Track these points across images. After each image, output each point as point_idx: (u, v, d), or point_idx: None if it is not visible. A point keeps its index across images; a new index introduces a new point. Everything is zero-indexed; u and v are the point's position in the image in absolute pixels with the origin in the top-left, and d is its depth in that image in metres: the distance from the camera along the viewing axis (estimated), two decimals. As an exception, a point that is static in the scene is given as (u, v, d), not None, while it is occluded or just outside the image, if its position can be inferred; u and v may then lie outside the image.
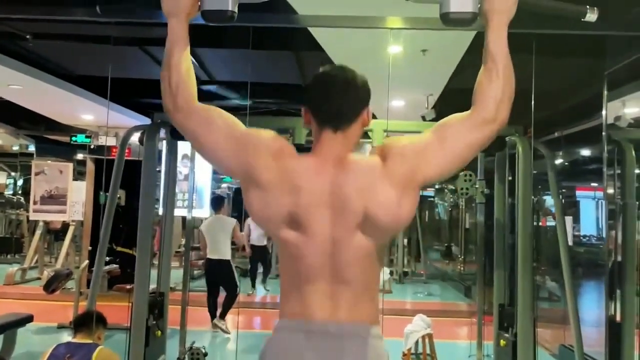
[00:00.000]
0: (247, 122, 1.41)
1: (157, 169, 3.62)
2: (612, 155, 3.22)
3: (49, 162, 8.08)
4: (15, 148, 11.35)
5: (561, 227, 3.45)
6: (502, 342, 3.45)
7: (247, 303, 6.82)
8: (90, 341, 2.83)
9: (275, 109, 6.15)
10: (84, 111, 6.72)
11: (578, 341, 3.32)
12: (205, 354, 4.11)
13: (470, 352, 4.40)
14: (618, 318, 3.07)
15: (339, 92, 1.34)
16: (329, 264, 1.28)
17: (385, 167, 1.28)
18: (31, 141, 9.53)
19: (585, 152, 6.76)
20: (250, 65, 4.46)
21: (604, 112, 3.27)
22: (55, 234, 9.69)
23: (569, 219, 4.91)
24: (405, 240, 10.48)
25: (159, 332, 3.54)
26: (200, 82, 5.61)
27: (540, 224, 7.13)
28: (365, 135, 3.47)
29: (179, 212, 5.19)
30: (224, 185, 12.81)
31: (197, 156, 4.66)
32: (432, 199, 13.42)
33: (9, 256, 11.01)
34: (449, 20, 1.31)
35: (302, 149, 2.14)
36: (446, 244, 11.73)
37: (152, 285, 3.64)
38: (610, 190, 3.31)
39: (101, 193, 4.50)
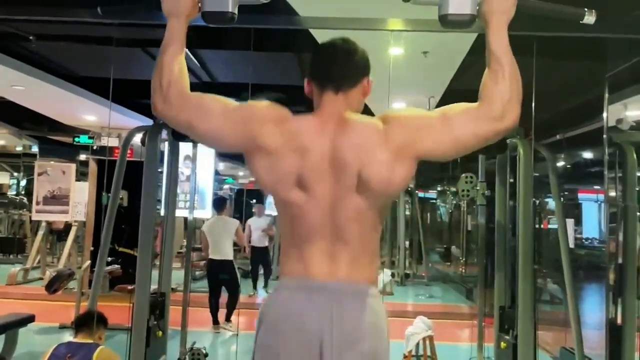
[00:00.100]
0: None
1: (159, 170, 3.63)
2: (613, 158, 3.21)
3: (52, 162, 8.10)
4: (19, 148, 11.38)
5: (562, 229, 3.45)
6: (503, 345, 3.45)
7: (249, 304, 6.82)
8: (91, 341, 2.83)
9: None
10: (86, 112, 6.74)
11: (579, 344, 3.31)
12: (206, 355, 4.11)
13: (471, 354, 4.39)
14: (619, 321, 3.07)
15: (340, 56, 1.40)
16: (329, 223, 1.31)
17: (384, 131, 1.31)
18: (34, 142, 9.56)
19: (588, 155, 6.75)
20: (252, 67, 4.47)
21: (605, 115, 3.27)
22: (58, 234, 9.72)
23: (570, 222, 4.90)
24: (407, 242, 10.47)
25: (160, 333, 3.55)
26: (201, 83, 5.64)
27: (541, 226, 7.12)
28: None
29: (180, 213, 5.20)
30: (226, 186, 12.84)
31: (199, 157, 4.68)
32: (434, 201, 13.40)
33: (11, 256, 11.03)
34: (447, 22, 1.31)
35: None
36: (445, 246, 11.71)
37: (154, 286, 3.65)
38: (612, 193, 3.30)
39: (103, 194, 4.52)
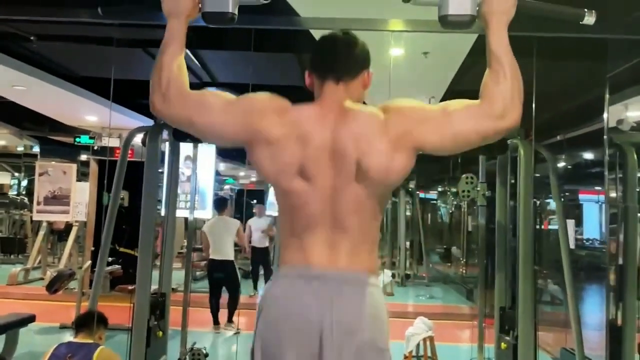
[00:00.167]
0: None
1: (160, 170, 3.63)
2: (613, 159, 3.21)
3: (53, 162, 8.11)
4: (20, 149, 11.38)
5: (563, 230, 3.45)
6: (503, 345, 3.45)
7: (249, 304, 6.82)
8: (92, 341, 2.84)
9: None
10: (87, 112, 6.74)
11: (579, 344, 3.31)
12: (207, 355, 4.11)
13: (471, 354, 4.38)
14: (619, 322, 3.06)
15: (341, 48, 1.42)
16: (329, 211, 1.31)
17: (384, 121, 1.31)
18: (35, 142, 9.56)
19: (588, 156, 6.75)
20: (252, 67, 4.47)
21: (605, 116, 3.27)
22: (59, 234, 9.73)
23: (571, 222, 4.89)
24: (408, 243, 10.47)
25: (160, 333, 3.55)
26: (202, 83, 5.64)
27: (542, 227, 7.11)
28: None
29: (181, 213, 5.20)
30: (227, 186, 12.84)
31: (200, 157, 4.69)
32: (434, 201, 13.40)
33: (12, 256, 11.04)
34: (447, 23, 1.31)
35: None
36: (445, 247, 11.70)
37: (154, 286, 3.65)
38: (612, 194, 3.30)
39: (104, 194, 4.52)
